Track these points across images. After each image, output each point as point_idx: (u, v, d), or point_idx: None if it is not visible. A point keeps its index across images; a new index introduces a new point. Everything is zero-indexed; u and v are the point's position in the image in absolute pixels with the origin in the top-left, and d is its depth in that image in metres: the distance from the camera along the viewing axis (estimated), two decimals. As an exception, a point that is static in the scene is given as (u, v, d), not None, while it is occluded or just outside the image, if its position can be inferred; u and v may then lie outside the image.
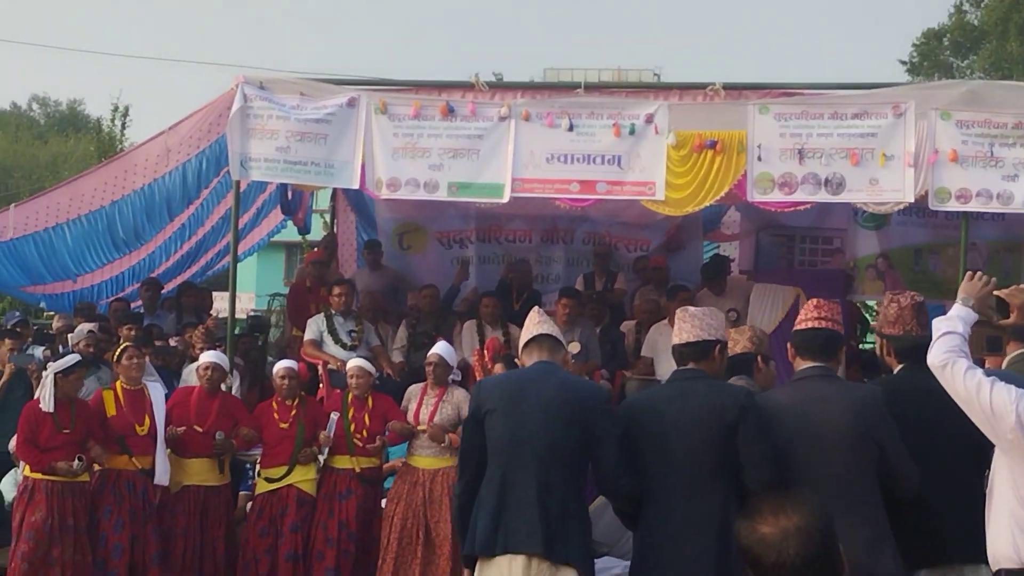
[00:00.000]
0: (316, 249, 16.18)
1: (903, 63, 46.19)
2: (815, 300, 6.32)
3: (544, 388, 6.13)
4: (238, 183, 12.43)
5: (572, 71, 21.52)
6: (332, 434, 10.81)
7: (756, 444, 5.72)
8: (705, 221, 15.55)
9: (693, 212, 12.32)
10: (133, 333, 12.96)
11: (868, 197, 11.63)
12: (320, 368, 12.99)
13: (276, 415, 10.96)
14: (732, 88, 12.50)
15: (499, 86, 13.52)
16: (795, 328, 6.26)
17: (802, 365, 6.12)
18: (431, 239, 15.65)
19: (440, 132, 11.98)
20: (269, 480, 10.81)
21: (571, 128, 11.79)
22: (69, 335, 12.99)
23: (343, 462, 10.89)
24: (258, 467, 11.08)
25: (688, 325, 6.15)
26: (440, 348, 11.25)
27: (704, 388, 6.00)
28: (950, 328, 5.02)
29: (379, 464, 11.09)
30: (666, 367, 13.02)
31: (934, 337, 5.06)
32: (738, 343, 6.75)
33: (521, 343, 6.47)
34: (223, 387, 11.29)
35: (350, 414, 10.97)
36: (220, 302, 16.65)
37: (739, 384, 6.37)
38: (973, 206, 11.43)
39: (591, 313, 13.78)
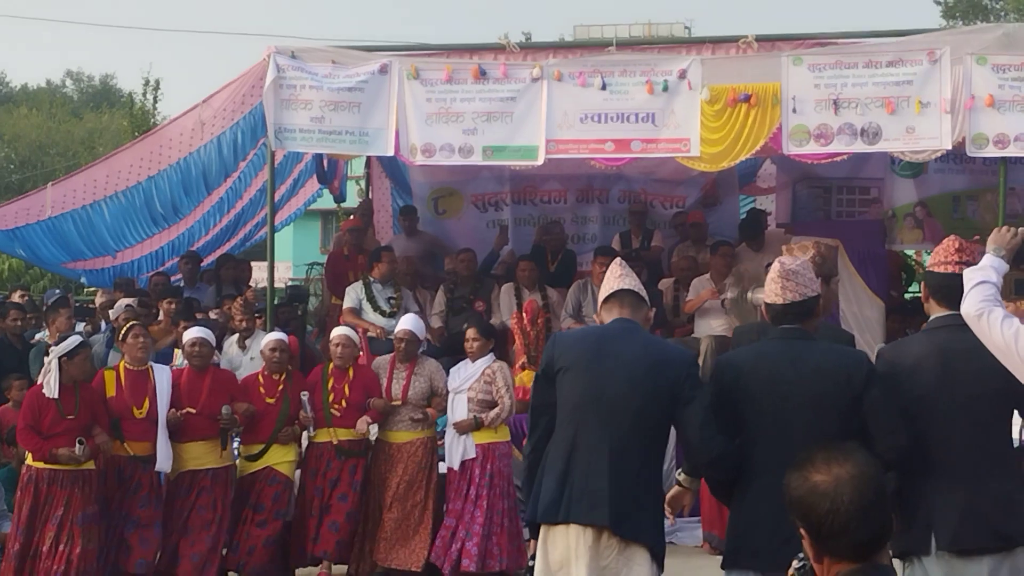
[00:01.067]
0: (352, 217, 16.22)
1: (938, 3, 45.69)
2: (956, 241, 5.67)
3: (626, 347, 5.70)
4: (273, 154, 12.45)
5: (602, 27, 21.47)
6: (311, 412, 10.44)
7: (887, 411, 5.31)
8: (741, 175, 15.48)
9: (728, 167, 12.28)
10: (173, 307, 13.02)
11: (905, 145, 11.56)
12: (360, 336, 13.03)
13: (262, 389, 10.44)
14: (765, 40, 12.40)
15: (530, 47, 13.50)
16: (931, 270, 5.67)
17: (937, 312, 5.58)
18: (466, 203, 15.64)
19: (473, 96, 11.96)
20: (249, 459, 10.35)
21: (604, 87, 11.75)
22: (110, 310, 13.07)
23: (322, 435, 10.55)
24: (239, 445, 10.62)
25: (791, 283, 5.51)
26: (409, 322, 10.98)
27: (820, 352, 5.49)
28: (984, 277, 4.99)
29: (360, 437, 10.58)
30: (705, 324, 13.04)
31: (967, 287, 5.01)
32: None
33: (600, 297, 6.05)
34: (213, 362, 10.86)
35: (329, 384, 10.59)
36: (258, 272, 16.74)
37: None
38: (1011, 151, 11.33)
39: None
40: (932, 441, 5.38)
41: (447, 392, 10.64)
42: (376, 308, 13.10)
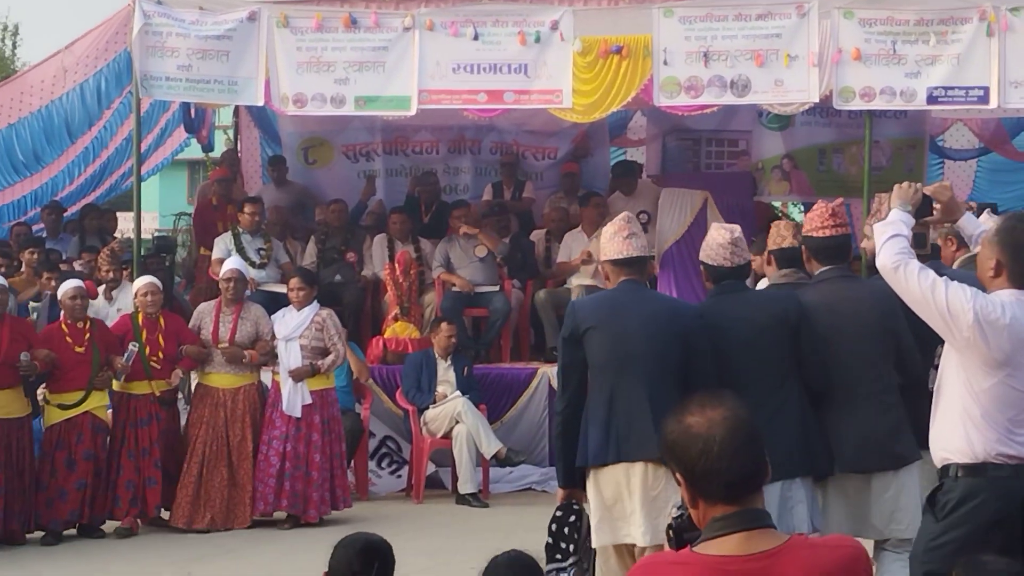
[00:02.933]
0: (220, 167, 15.97)
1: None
2: (828, 207, 6.34)
3: (643, 305, 6.13)
4: (139, 102, 12.21)
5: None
6: (131, 363, 10.24)
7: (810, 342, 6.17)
8: (611, 127, 15.54)
9: (600, 118, 12.32)
10: (36, 257, 12.74)
11: (773, 98, 11.71)
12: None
13: (69, 339, 10.19)
14: (637, -9, 12.43)
15: (401, -5, 13.36)
16: (809, 234, 6.38)
17: (819, 269, 6.34)
18: (337, 153, 15.47)
19: (344, 45, 11.84)
20: (63, 407, 10.13)
21: (476, 37, 11.71)
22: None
23: (141, 387, 10.40)
24: (44, 394, 10.40)
25: (739, 249, 6.32)
26: (236, 263, 11.10)
27: (765, 298, 6.52)
28: (896, 231, 5.07)
29: (175, 386, 10.69)
30: (576, 275, 13.11)
31: (879, 241, 5.09)
32: (785, 239, 6.74)
33: (606, 255, 6.24)
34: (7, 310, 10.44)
35: (143, 336, 10.43)
36: (124, 223, 16.43)
37: (791, 276, 6.56)
38: (877, 104, 11.54)
39: (498, 224, 13.77)
40: (831, 380, 6.15)
41: (272, 337, 10.69)
42: (246, 259, 12.92)
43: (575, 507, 6.24)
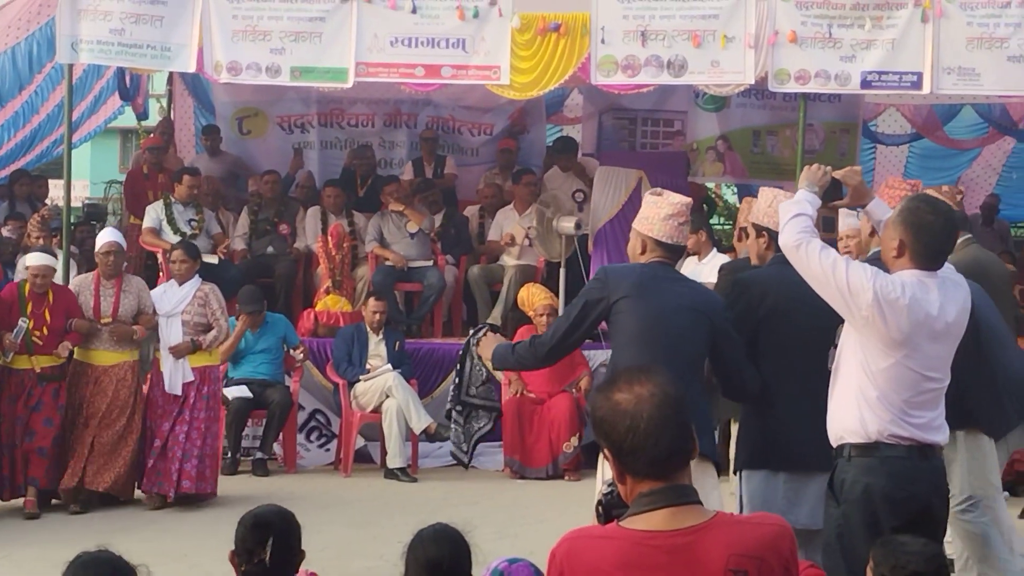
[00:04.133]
0: (153, 135, 15.80)
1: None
2: (779, 195, 6.16)
3: (672, 285, 5.98)
4: (71, 68, 12.07)
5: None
6: (19, 340, 9.76)
7: None
8: (548, 104, 15.55)
9: (537, 95, 12.32)
10: (-37, 223, 12.60)
11: (709, 79, 11.75)
12: (160, 256, 12.77)
13: None
14: (575, -31, 12.42)
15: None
16: (760, 223, 6.18)
17: (772, 254, 6.05)
18: (271, 124, 15.36)
19: (281, 14, 11.74)
20: None
21: (414, 10, 11.65)
22: None
23: (22, 362, 9.86)
24: None
25: None
26: (113, 235, 10.53)
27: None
28: (800, 210, 5.11)
29: (61, 363, 9.99)
30: (510, 254, 13.12)
31: (783, 220, 5.13)
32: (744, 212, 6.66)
33: (653, 233, 6.00)
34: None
35: (28, 308, 9.90)
36: (55, 190, 16.22)
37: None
38: (812, 87, 11.59)
39: (428, 200, 13.74)
40: (777, 366, 5.90)
41: (154, 311, 10.31)
42: (176, 230, 12.81)
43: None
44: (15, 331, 9.76)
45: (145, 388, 10.35)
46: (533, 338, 6.34)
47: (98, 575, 3.60)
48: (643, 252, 6.04)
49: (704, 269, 10.58)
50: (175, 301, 10.34)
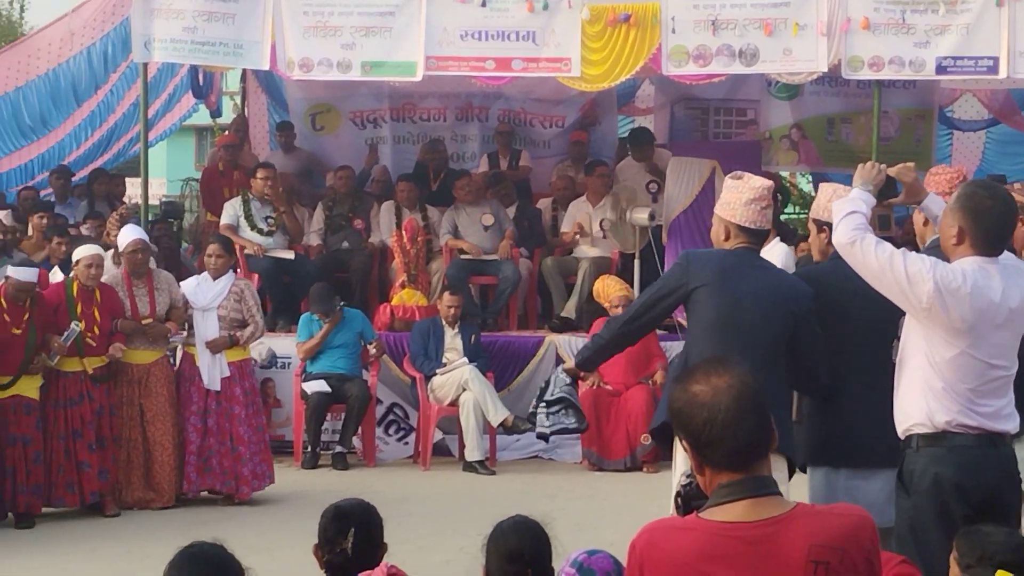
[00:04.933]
0: (227, 132, 15.95)
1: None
2: (834, 189, 6.06)
3: (757, 272, 5.89)
4: (146, 67, 12.21)
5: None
6: (68, 344, 9.56)
7: None
8: (619, 95, 15.51)
9: (608, 87, 12.30)
10: (45, 222, 12.76)
11: (782, 67, 11.69)
12: (237, 253, 12.88)
13: (7, 317, 9.41)
14: (645, -41, 12.38)
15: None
16: (820, 218, 6.12)
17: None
18: (344, 119, 15.45)
19: (351, 10, 11.81)
20: None
21: (484, 4, 11.68)
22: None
23: (72, 365, 9.68)
24: None
25: None
26: (138, 232, 10.39)
27: None
28: (854, 208, 5.06)
29: (107, 363, 9.83)
30: (584, 246, 13.11)
31: (836, 218, 5.07)
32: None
33: (735, 218, 5.89)
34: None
35: (78, 309, 9.71)
36: (132, 188, 16.44)
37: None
38: (886, 74, 11.50)
39: (501, 193, 13.77)
40: (837, 361, 5.82)
41: (186, 305, 10.24)
42: (253, 226, 12.92)
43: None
44: (66, 335, 9.55)
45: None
46: (612, 317, 6.33)
47: (204, 569, 3.64)
48: (727, 238, 5.93)
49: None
50: (211, 296, 10.27)
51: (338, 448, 11.49)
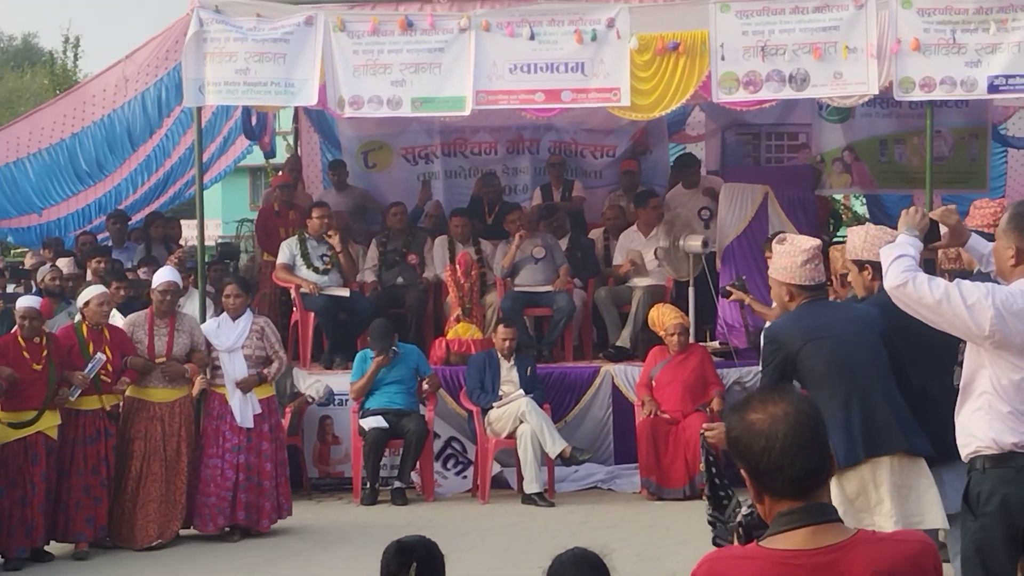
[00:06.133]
0: (281, 172, 16.07)
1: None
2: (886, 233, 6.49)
3: (841, 313, 6.56)
4: (200, 111, 12.33)
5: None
6: (92, 376, 9.86)
7: None
8: (670, 123, 15.49)
9: (659, 115, 12.30)
10: (103, 266, 12.88)
11: (832, 91, 11.62)
12: (293, 292, 12.98)
13: (26, 354, 9.67)
14: (692, -13, 12.38)
15: (457, -3, 13.39)
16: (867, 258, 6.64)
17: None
18: (396, 156, 15.54)
19: (400, 47, 11.86)
20: (14, 426, 9.63)
21: (532, 37, 11.70)
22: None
23: (91, 403, 9.96)
24: None
25: None
26: (172, 274, 10.65)
27: None
28: (902, 252, 5.08)
29: (120, 401, 10.21)
30: (638, 275, 13.09)
31: (885, 264, 5.10)
32: (838, 261, 6.97)
33: (791, 279, 6.39)
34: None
35: (90, 348, 9.98)
36: (188, 230, 16.58)
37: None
38: (937, 94, 11.41)
39: (553, 225, 13.80)
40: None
41: (209, 348, 10.47)
42: (310, 265, 13.01)
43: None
44: (91, 365, 9.85)
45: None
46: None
47: None
48: (791, 299, 6.42)
49: None
50: (234, 336, 10.50)
51: (397, 483, 11.51)
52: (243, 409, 10.35)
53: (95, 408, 10.00)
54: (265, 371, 10.54)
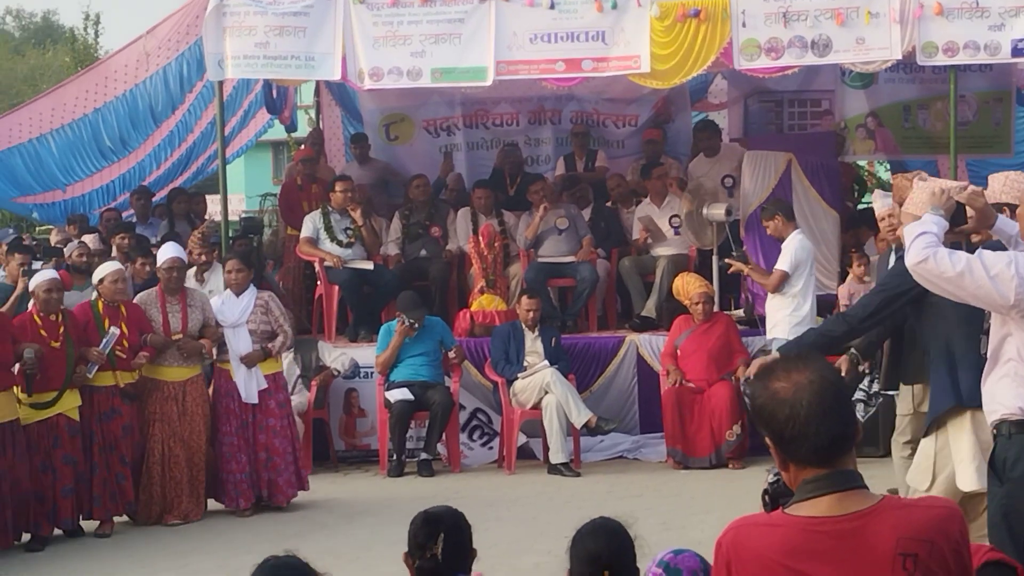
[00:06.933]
0: (304, 146, 16.07)
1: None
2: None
3: None
4: (221, 85, 12.35)
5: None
6: (107, 351, 9.70)
7: None
8: (692, 91, 15.44)
9: (680, 83, 12.25)
10: (127, 242, 12.92)
11: (855, 57, 11.58)
12: (317, 265, 12.99)
13: (44, 332, 9.50)
14: (713, -45, 12.32)
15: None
16: None
17: None
18: (418, 128, 15.52)
19: (420, 18, 11.85)
20: (36, 407, 9.42)
21: (552, 6, 11.67)
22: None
23: (105, 379, 9.75)
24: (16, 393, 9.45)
25: None
26: (175, 250, 10.50)
27: None
28: (924, 229, 5.03)
29: (137, 379, 10.02)
30: (660, 244, 13.07)
31: (907, 242, 5.04)
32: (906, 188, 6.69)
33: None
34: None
35: (106, 326, 9.80)
36: (212, 205, 16.60)
37: None
38: (961, 58, 11.36)
39: (576, 195, 13.78)
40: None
41: (217, 323, 10.33)
42: (333, 238, 13.01)
43: None
44: (105, 340, 9.70)
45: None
46: (841, 313, 6.48)
47: None
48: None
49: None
50: (238, 311, 10.38)
51: (423, 455, 11.53)
52: (248, 385, 10.24)
53: (109, 385, 9.80)
54: (270, 345, 10.40)
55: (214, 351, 10.36)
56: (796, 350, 6.34)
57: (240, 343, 10.34)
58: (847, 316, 6.41)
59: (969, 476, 5.87)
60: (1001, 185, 6.40)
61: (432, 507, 4.73)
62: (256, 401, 10.27)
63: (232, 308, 10.42)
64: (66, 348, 9.54)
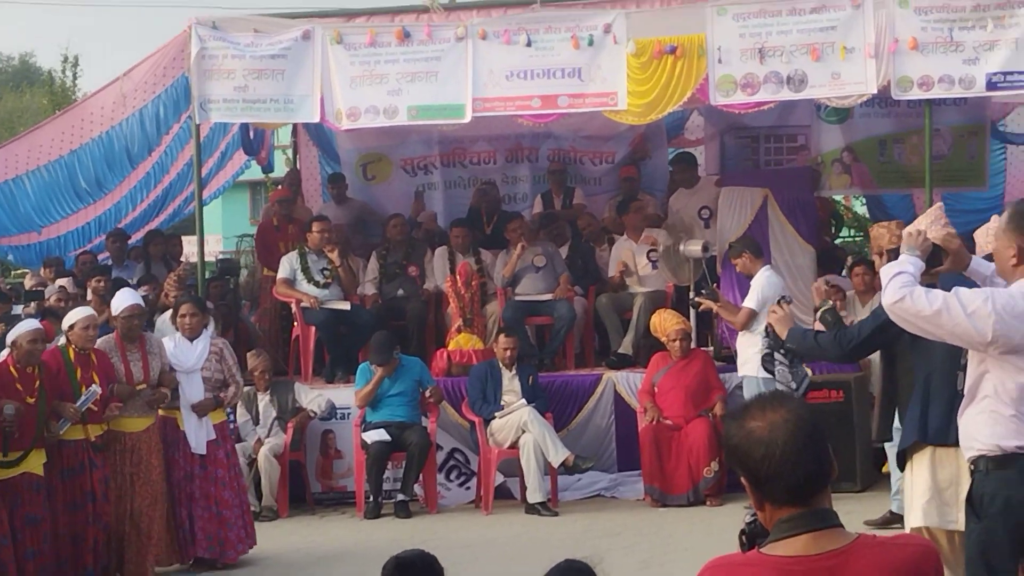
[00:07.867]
0: (280, 187, 16.04)
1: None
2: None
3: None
4: (198, 127, 12.31)
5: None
6: (84, 410, 9.03)
7: None
8: (669, 128, 15.46)
9: (656, 119, 12.27)
10: (103, 285, 12.84)
11: (831, 92, 11.61)
12: (294, 306, 12.94)
13: (19, 386, 8.79)
14: (688, -9, 12.37)
15: (454, 7, 13.37)
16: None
17: None
18: (395, 167, 15.49)
19: (397, 57, 11.88)
20: (3, 466, 8.67)
21: (529, 44, 11.71)
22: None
23: (75, 433, 9.06)
24: None
25: None
26: (134, 297, 9.94)
27: None
28: (901, 269, 5.08)
29: (106, 429, 9.33)
30: (636, 282, 13.05)
31: (884, 282, 5.08)
32: (884, 237, 6.70)
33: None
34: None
35: (78, 374, 9.14)
36: (188, 247, 16.55)
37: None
38: (936, 92, 11.40)
39: (553, 233, 13.76)
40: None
41: (171, 367, 9.82)
42: (310, 279, 12.96)
43: None
44: (84, 398, 9.01)
45: None
46: (839, 332, 6.41)
47: None
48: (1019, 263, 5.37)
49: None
50: (194, 357, 9.91)
51: (400, 496, 11.45)
52: (198, 434, 9.77)
53: (79, 438, 9.11)
54: (222, 395, 10.01)
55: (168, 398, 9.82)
56: (801, 336, 6.55)
57: (193, 390, 9.84)
58: (841, 340, 6.35)
59: (916, 513, 5.94)
60: (984, 239, 6.34)
61: (403, 552, 4.68)
62: (204, 452, 9.77)
63: (187, 353, 9.92)
64: (39, 404, 8.84)
